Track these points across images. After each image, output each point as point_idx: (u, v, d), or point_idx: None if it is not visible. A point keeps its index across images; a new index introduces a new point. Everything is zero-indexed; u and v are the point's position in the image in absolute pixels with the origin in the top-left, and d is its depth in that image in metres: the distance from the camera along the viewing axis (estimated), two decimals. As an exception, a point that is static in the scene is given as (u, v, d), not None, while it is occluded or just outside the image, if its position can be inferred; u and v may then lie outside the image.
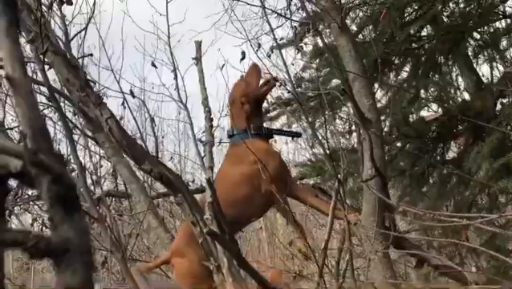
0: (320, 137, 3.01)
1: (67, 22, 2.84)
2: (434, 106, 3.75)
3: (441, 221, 2.16)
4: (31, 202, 4.38)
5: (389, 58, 3.65)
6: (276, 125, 3.87)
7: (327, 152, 2.67)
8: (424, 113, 3.66)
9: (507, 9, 3.53)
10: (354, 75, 2.64)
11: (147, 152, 2.67)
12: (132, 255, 4.30)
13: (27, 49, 2.65)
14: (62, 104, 3.00)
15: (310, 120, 3.54)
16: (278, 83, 2.95)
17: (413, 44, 3.70)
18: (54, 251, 0.55)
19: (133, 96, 3.04)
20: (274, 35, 3.37)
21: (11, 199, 3.81)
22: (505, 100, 3.47)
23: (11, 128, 3.66)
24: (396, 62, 3.76)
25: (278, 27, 3.89)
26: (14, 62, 0.56)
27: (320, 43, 3.67)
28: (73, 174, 2.97)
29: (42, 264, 7.50)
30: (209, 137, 2.54)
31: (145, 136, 4.02)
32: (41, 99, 3.10)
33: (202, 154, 2.62)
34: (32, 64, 2.87)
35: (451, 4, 3.57)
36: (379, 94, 3.72)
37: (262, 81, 2.91)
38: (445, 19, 3.63)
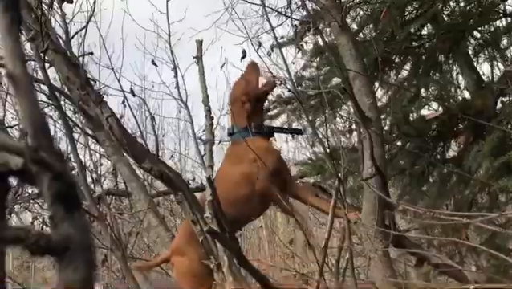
0: (320, 136, 3.01)
1: (67, 21, 2.85)
2: (434, 105, 3.75)
3: (441, 220, 2.16)
4: (31, 201, 4.38)
5: (390, 56, 3.65)
6: (276, 124, 3.88)
7: (328, 150, 2.67)
8: (424, 112, 3.66)
9: (507, 7, 3.53)
10: (354, 74, 2.64)
11: (147, 150, 2.67)
12: (133, 254, 4.30)
13: (28, 47, 2.65)
14: (62, 103, 3.00)
15: (310, 118, 3.54)
16: (278, 82, 2.95)
17: (414, 43, 3.70)
18: (54, 249, 0.55)
19: (133, 95, 3.04)
20: (274, 34, 3.36)
21: (11, 197, 3.81)
22: (505, 99, 3.47)
23: (11, 127, 3.67)
24: (397, 60, 3.76)
25: (278, 26, 3.88)
26: (15, 59, 0.57)
27: (321, 42, 3.67)
28: (73, 172, 2.97)
29: (43, 262, 7.51)
30: (210, 136, 2.55)
31: (145, 134, 4.03)
32: (41, 97, 3.10)
33: (202, 153, 2.62)
34: (32, 62, 2.87)
35: (451, 3, 3.57)
36: (379, 93, 3.72)
37: (261, 79, 2.92)
38: (446, 18, 3.62)
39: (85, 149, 3.74)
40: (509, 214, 2.61)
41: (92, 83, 2.76)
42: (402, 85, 3.77)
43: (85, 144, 3.68)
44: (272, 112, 3.93)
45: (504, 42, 3.59)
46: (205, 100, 2.68)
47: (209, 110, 2.64)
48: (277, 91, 3.67)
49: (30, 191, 4.17)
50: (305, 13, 3.63)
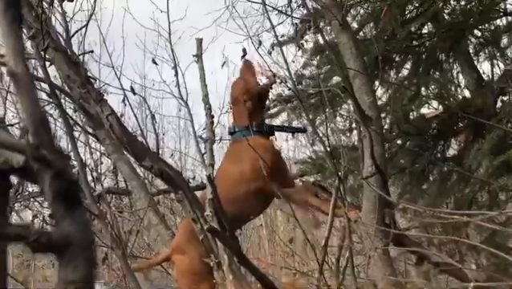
0: (321, 134, 3.01)
1: (67, 19, 2.84)
2: (435, 103, 3.75)
3: (441, 219, 2.16)
4: (32, 199, 4.38)
5: (390, 55, 3.64)
6: (276, 122, 3.88)
7: (328, 149, 2.67)
8: (424, 111, 3.66)
9: (508, 6, 3.53)
10: (354, 73, 2.64)
11: (147, 148, 2.67)
12: (133, 252, 4.30)
13: (28, 45, 2.65)
14: (62, 101, 3.00)
15: (310, 117, 3.54)
16: (278, 81, 2.95)
17: (414, 42, 3.70)
18: (55, 246, 0.55)
19: (134, 93, 3.04)
20: (274, 32, 3.37)
21: (12, 196, 3.81)
22: (505, 98, 3.47)
23: (12, 125, 3.67)
24: (397, 59, 3.76)
25: (278, 24, 3.89)
26: (16, 57, 0.57)
27: (321, 40, 3.67)
28: (73, 171, 2.97)
29: (43, 261, 7.51)
30: (210, 134, 2.55)
31: (146, 132, 4.02)
32: (42, 95, 3.10)
33: (203, 151, 2.63)
34: (33, 61, 2.87)
35: (452, 1, 3.57)
36: (379, 91, 3.72)
37: (259, 76, 2.92)
38: (446, 17, 3.62)
39: (85, 148, 3.74)
40: (509, 213, 2.61)
41: (93, 81, 2.76)
42: (402, 84, 3.77)
43: (85, 142, 3.68)
44: (272, 111, 3.93)
45: (504, 40, 3.58)
46: (205, 99, 2.69)
47: (209, 108, 2.65)
48: (277, 89, 3.67)
49: (30, 189, 4.18)
50: (305, 11, 3.63)
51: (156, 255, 4.24)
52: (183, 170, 7.01)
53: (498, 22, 3.61)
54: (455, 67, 3.80)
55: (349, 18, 3.51)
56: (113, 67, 3.06)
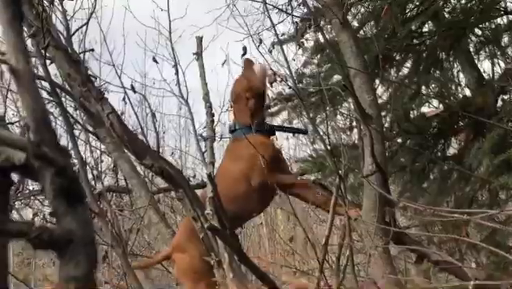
0: (321, 133, 3.01)
1: (68, 17, 2.84)
2: (435, 102, 3.75)
3: (442, 217, 2.16)
4: (32, 197, 4.39)
5: (390, 54, 3.64)
6: (277, 121, 3.88)
7: (328, 147, 2.67)
8: (425, 109, 3.66)
9: (508, 5, 3.53)
10: (355, 71, 2.64)
11: (148, 147, 2.67)
12: (133, 250, 4.30)
13: (29, 43, 2.65)
14: (63, 99, 3.00)
15: (311, 115, 3.54)
16: (279, 79, 2.95)
17: (414, 40, 3.69)
18: (57, 242, 0.55)
19: (134, 91, 3.04)
20: (275, 31, 3.37)
21: (12, 194, 3.81)
22: (506, 97, 3.47)
23: (12, 123, 3.67)
24: (398, 58, 3.76)
25: (279, 23, 3.89)
26: (17, 54, 0.57)
27: (321, 39, 3.66)
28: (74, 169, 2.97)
29: (43, 259, 7.52)
30: (210, 133, 2.55)
31: (146, 131, 4.03)
32: (42, 93, 3.10)
33: (203, 149, 2.63)
34: (33, 59, 2.87)
35: (452, 0, 3.56)
36: (380, 90, 3.72)
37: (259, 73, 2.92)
38: (447, 15, 3.62)
39: (86, 146, 3.74)
40: (509, 211, 2.61)
41: (93, 79, 2.76)
42: (403, 82, 3.77)
43: (86, 140, 3.68)
44: (273, 110, 3.93)
45: (505, 39, 3.58)
46: (206, 97, 2.69)
47: (209, 107, 2.65)
48: (277, 88, 3.67)
49: (30, 188, 4.18)
50: (306, 10, 3.63)
51: (156, 254, 4.25)
52: (183, 168, 7.01)
53: (499, 20, 3.61)
54: (455, 65, 3.79)
55: (349, 17, 3.51)
56: (114, 66, 3.07)
